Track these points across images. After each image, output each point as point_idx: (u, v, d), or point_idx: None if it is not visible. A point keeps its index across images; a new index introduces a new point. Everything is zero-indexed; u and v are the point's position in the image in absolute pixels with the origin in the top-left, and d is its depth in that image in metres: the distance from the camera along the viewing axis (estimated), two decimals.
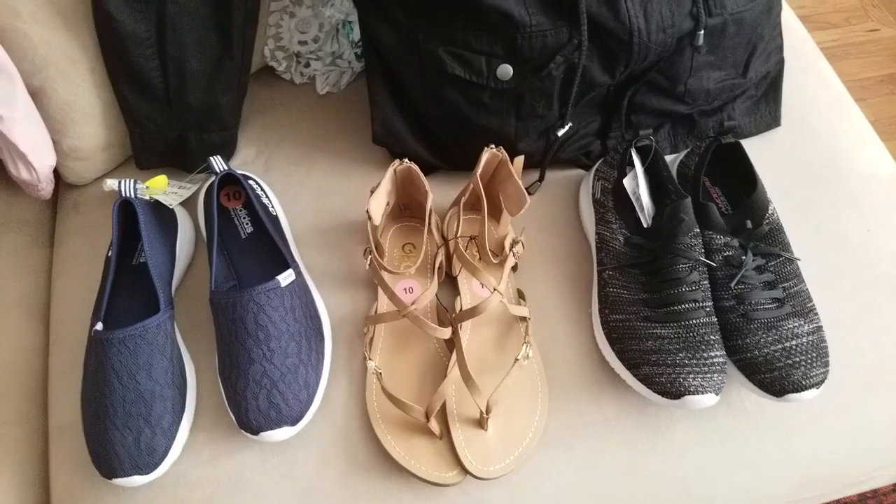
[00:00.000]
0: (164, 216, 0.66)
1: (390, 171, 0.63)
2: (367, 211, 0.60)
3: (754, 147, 0.75)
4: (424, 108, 0.70)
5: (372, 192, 0.62)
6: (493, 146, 0.65)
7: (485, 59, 0.63)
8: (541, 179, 0.75)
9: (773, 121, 0.81)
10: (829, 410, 0.64)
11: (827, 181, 0.77)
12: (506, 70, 0.63)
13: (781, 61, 0.80)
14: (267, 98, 0.81)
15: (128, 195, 0.62)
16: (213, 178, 0.66)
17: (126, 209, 0.63)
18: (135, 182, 0.63)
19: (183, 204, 0.71)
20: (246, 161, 0.77)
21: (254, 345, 0.58)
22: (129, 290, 0.64)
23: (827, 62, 0.91)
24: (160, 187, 0.67)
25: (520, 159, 0.66)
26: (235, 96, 0.72)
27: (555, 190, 0.76)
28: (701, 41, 0.66)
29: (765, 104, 0.81)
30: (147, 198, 0.65)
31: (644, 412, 0.64)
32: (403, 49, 0.67)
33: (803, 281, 0.64)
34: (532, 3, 0.60)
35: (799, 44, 0.89)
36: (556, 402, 0.63)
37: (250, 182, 0.68)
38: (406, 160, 0.64)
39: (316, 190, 0.75)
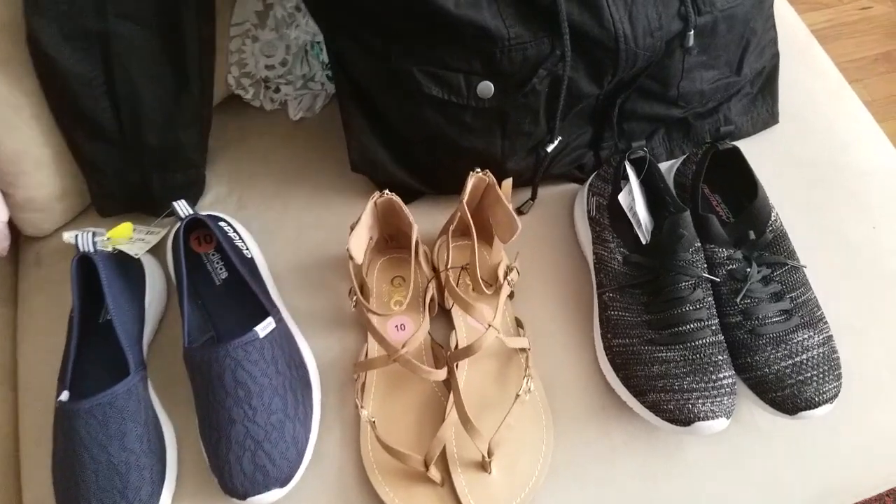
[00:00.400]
0: (129, 268, 0.62)
1: (370, 204, 0.59)
2: (348, 250, 0.56)
3: (751, 146, 0.71)
4: (403, 132, 0.66)
5: (352, 228, 0.57)
6: (478, 170, 0.61)
7: (463, 76, 0.59)
8: (533, 198, 0.71)
9: (770, 118, 0.77)
10: (841, 419, 0.61)
11: (829, 178, 0.74)
12: (486, 88, 0.59)
13: (776, 55, 0.77)
14: (236, 128, 0.77)
15: (86, 249, 0.57)
16: (179, 224, 0.61)
17: (86, 265, 0.58)
18: (93, 234, 0.58)
19: (152, 250, 0.66)
20: (218, 199, 0.72)
21: (234, 404, 0.54)
22: (96, 352, 0.59)
23: (821, 49, 0.87)
24: (124, 236, 0.63)
25: (508, 182, 0.62)
26: (199, 132, 0.68)
27: (548, 207, 0.72)
28: (691, 42, 0.62)
29: (761, 101, 0.77)
30: (110, 249, 0.61)
31: (654, 436, 0.61)
32: (375, 70, 0.62)
33: (811, 289, 0.61)
34: (509, 14, 0.56)
35: (791, 32, 0.86)
36: (562, 433, 0.60)
37: (220, 224, 0.64)
38: (386, 191, 0.59)
39: (294, 225, 0.70)
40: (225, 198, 0.72)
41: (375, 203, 0.59)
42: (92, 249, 0.58)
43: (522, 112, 0.62)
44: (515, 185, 0.69)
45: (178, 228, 0.60)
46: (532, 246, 0.69)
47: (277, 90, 0.77)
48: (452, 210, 0.65)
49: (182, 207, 0.60)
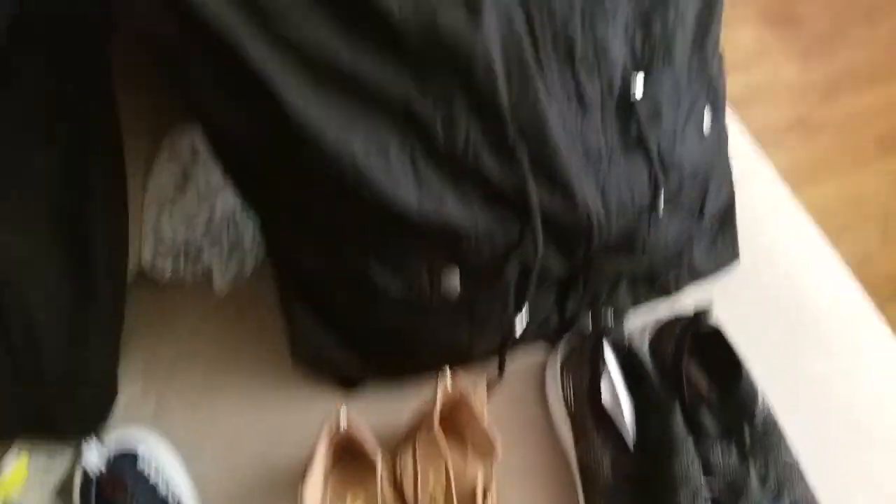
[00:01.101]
0: None
1: (324, 442, 0.50)
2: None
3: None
4: (356, 327, 0.58)
5: (304, 475, 0.48)
6: (447, 379, 0.53)
7: (426, 272, 0.52)
8: (500, 374, 0.64)
9: (731, 256, 0.74)
10: None
11: (795, 320, 0.71)
12: (452, 286, 0.52)
13: (732, 193, 0.74)
14: (151, 305, 0.65)
15: None
16: (84, 469, 0.50)
17: None
18: None
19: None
20: (131, 403, 0.61)
21: None
22: None
23: (764, 156, 0.86)
24: (18, 482, 0.51)
25: (482, 394, 0.55)
26: (109, 341, 0.57)
27: (517, 377, 0.65)
28: (661, 209, 0.58)
29: (721, 240, 0.74)
30: None
31: None
32: (320, 263, 0.54)
33: (803, 478, 0.57)
34: (475, 204, 0.50)
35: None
36: None
37: (138, 467, 0.53)
38: (342, 425, 0.51)
39: (228, 432, 0.60)
40: (139, 400, 0.61)
41: (331, 440, 0.50)
42: None
43: (490, 301, 0.56)
44: (481, 360, 0.62)
45: (88, 486, 0.49)
46: (503, 432, 0.60)
47: (198, 258, 0.66)
48: (413, 397, 0.57)
49: (92, 463, 0.49)
